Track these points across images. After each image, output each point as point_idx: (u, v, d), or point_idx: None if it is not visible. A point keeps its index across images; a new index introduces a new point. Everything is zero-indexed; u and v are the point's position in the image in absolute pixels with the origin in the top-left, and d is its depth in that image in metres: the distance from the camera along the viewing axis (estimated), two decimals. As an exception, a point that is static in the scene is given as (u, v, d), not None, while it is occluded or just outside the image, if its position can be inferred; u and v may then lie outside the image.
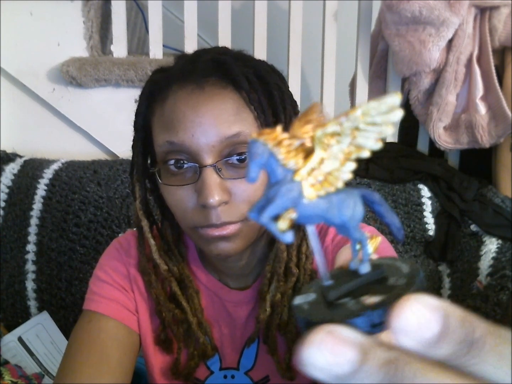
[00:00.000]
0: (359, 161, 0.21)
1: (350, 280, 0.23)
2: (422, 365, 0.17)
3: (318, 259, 0.23)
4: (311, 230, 0.22)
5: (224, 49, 0.61)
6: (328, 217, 0.21)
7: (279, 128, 0.21)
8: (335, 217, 0.21)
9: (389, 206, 0.25)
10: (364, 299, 0.20)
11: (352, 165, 0.21)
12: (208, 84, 0.54)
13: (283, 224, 0.20)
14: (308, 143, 0.21)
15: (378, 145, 0.20)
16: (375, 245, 0.23)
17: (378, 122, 0.20)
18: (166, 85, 0.56)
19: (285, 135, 0.21)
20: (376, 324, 0.19)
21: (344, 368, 0.17)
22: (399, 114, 0.19)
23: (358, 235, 0.22)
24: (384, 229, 0.96)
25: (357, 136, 0.20)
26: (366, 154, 0.20)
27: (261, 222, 0.20)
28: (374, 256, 0.25)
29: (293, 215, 0.21)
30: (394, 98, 0.19)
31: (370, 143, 0.20)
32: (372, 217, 1.08)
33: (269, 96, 0.55)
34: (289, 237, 0.21)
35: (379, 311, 0.19)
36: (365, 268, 0.23)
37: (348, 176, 0.21)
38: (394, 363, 0.17)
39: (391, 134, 0.20)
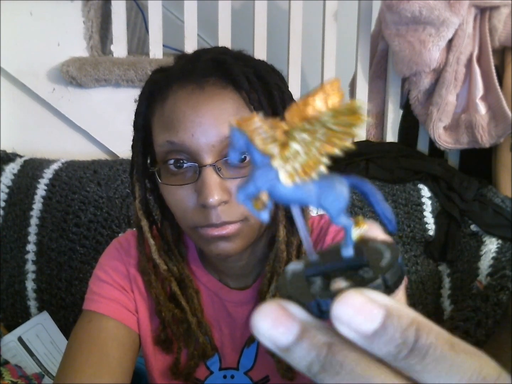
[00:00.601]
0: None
1: (333, 261, 0.24)
2: (354, 355, 0.18)
3: (303, 236, 0.24)
4: (295, 210, 0.24)
5: (224, 49, 0.61)
6: (308, 203, 0.22)
7: (257, 117, 0.22)
8: (314, 203, 0.22)
9: (382, 197, 0.25)
10: (333, 282, 0.22)
11: (325, 161, 0.22)
12: (208, 84, 0.54)
13: (257, 203, 0.22)
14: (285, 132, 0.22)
15: (348, 145, 0.21)
16: (360, 232, 0.24)
17: (346, 123, 0.21)
18: (166, 85, 0.56)
19: (263, 123, 0.22)
20: (325, 310, 0.20)
21: (283, 339, 0.19)
22: (362, 118, 0.20)
23: (341, 221, 0.23)
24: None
25: (329, 135, 0.21)
26: (338, 152, 0.22)
27: (237, 200, 0.22)
28: (383, 235, 0.25)
29: (265, 197, 0.22)
30: (357, 103, 0.20)
31: (340, 142, 0.21)
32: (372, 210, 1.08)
33: (269, 96, 0.55)
34: (264, 215, 0.23)
35: (328, 300, 0.20)
36: (347, 252, 0.24)
37: (323, 170, 0.22)
38: (328, 347, 0.19)
39: (359, 135, 0.21)
